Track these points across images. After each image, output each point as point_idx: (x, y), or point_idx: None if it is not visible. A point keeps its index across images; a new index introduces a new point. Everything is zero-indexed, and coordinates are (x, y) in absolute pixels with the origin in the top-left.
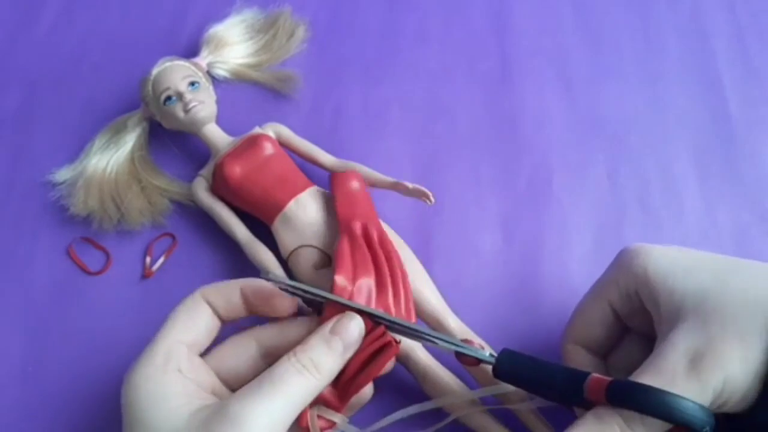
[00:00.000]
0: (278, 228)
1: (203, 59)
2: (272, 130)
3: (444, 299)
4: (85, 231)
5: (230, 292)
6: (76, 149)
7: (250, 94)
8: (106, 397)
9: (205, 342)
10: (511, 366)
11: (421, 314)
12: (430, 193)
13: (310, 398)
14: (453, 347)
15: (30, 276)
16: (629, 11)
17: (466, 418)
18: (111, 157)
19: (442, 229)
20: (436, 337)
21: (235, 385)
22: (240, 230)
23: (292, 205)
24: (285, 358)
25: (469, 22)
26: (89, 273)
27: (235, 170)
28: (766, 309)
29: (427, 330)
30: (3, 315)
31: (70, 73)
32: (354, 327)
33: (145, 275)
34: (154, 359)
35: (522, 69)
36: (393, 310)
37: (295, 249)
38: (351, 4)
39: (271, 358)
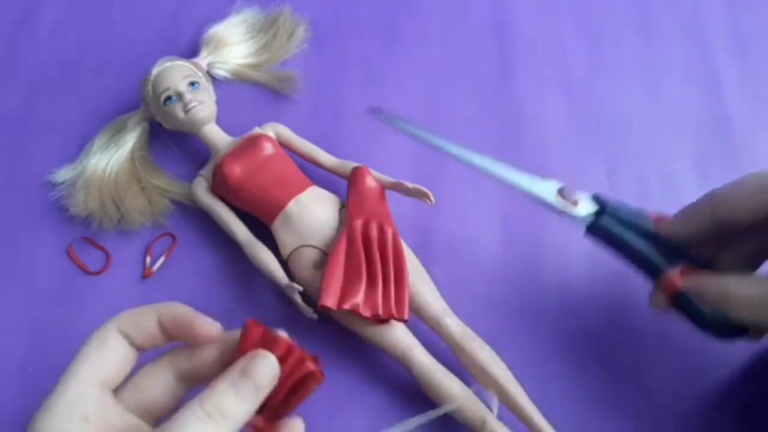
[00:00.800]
0: (278, 228)
1: (203, 59)
2: (272, 130)
3: (444, 299)
4: (85, 231)
5: (146, 321)
6: (76, 149)
7: (250, 94)
8: None
9: (120, 376)
10: (607, 224)
11: (421, 314)
12: (430, 193)
13: None
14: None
15: (30, 276)
16: (629, 11)
17: (465, 416)
18: (111, 157)
19: (442, 229)
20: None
21: (157, 414)
22: (240, 230)
23: (292, 205)
24: (189, 404)
25: (469, 22)
26: (89, 273)
27: (235, 170)
28: None
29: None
30: (3, 315)
31: (70, 73)
32: (267, 371)
33: (145, 275)
34: (58, 406)
35: (522, 68)
36: (381, 308)
37: (296, 249)
38: (351, 4)
39: (188, 381)
